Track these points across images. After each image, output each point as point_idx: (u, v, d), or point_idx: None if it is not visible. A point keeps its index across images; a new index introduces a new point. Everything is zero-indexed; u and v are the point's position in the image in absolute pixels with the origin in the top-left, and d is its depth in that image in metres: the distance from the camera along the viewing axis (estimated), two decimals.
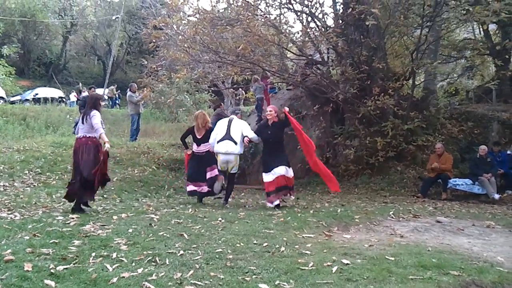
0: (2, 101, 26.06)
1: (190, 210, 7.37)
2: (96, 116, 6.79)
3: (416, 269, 4.03)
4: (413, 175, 11.61)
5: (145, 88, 14.49)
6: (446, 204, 9.43)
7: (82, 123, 6.85)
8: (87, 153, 6.74)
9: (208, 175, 8.40)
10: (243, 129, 8.11)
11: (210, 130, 8.52)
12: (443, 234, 5.90)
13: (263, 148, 8.51)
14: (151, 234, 5.20)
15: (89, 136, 6.82)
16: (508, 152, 11.20)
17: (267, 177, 7.99)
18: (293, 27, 17.59)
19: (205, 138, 8.48)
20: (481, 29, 16.58)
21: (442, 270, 4.01)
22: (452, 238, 5.68)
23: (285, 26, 13.04)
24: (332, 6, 13.46)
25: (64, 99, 30.11)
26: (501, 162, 10.72)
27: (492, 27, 15.96)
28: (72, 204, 6.84)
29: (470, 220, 7.17)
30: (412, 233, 5.93)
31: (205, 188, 8.44)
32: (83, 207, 6.84)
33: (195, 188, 8.52)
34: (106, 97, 26.74)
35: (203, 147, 8.53)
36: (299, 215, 6.96)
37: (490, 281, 3.79)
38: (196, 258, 4.28)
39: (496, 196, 9.83)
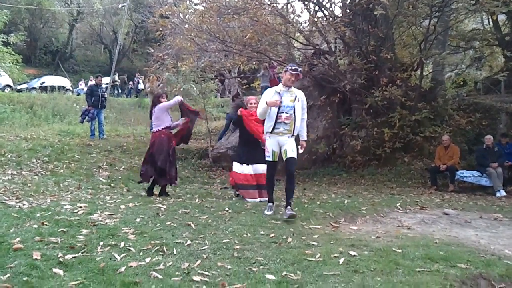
0: (9, 89, 26.08)
1: (197, 200, 7.40)
2: (161, 107, 7.80)
3: (423, 261, 4.03)
4: (420, 167, 11.56)
5: (151, 76, 14.47)
6: (453, 196, 9.40)
7: (151, 118, 8.03)
8: (161, 145, 7.68)
9: None
10: None
11: None
12: (450, 226, 5.90)
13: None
14: (158, 224, 5.23)
15: (161, 129, 7.76)
16: None
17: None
18: (300, 16, 17.44)
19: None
20: (490, 19, 16.40)
21: (449, 262, 4.00)
22: (459, 230, 5.67)
23: (292, 16, 12.96)
24: None
25: (71, 88, 30.13)
26: (509, 153, 10.64)
27: (502, 17, 15.78)
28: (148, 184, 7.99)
29: (478, 212, 7.16)
30: (419, 225, 5.93)
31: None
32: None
33: None
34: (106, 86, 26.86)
35: None
36: (306, 206, 6.95)
37: (497, 274, 3.78)
38: (203, 248, 4.29)
39: (499, 194, 9.72)
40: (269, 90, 6.11)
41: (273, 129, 5.96)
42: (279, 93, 5.94)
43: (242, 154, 7.88)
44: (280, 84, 6.07)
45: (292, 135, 5.99)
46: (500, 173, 10.08)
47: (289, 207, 5.79)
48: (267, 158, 6.12)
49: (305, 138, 6.28)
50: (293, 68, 5.88)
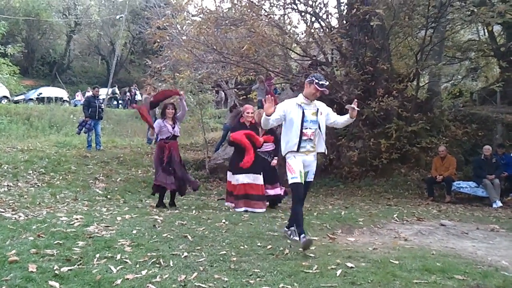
0: (6, 100, 26.08)
1: (194, 211, 7.38)
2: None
3: (420, 273, 4.03)
4: (417, 178, 11.57)
5: (148, 87, 14.51)
6: (450, 207, 9.42)
7: None
8: (155, 157, 8.11)
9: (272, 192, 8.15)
10: None
11: (271, 130, 8.14)
12: (447, 238, 5.90)
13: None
14: (155, 236, 5.21)
15: (158, 142, 8.13)
16: None
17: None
18: (297, 27, 17.51)
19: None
20: (485, 30, 16.51)
21: (446, 274, 4.00)
22: (456, 241, 5.68)
23: (289, 27, 13.03)
24: (336, 7, 13.45)
25: (68, 99, 30.15)
26: (505, 164, 10.67)
27: (497, 28, 15.90)
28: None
29: (474, 223, 7.17)
30: (416, 236, 5.93)
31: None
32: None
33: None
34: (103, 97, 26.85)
35: (264, 147, 8.11)
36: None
37: (494, 285, 3.78)
38: (200, 260, 4.28)
39: (495, 205, 9.70)
40: (289, 102, 5.22)
41: (298, 148, 5.06)
42: (300, 105, 5.10)
43: (234, 163, 7.90)
44: (301, 95, 5.22)
45: (315, 154, 5.26)
46: (497, 184, 10.08)
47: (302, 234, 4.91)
48: (292, 180, 5.03)
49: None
50: (320, 83, 5.01)
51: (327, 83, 5.23)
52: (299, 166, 5.04)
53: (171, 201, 8.02)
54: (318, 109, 5.17)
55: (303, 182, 5.08)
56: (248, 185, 7.64)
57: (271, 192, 8.10)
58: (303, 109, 5.07)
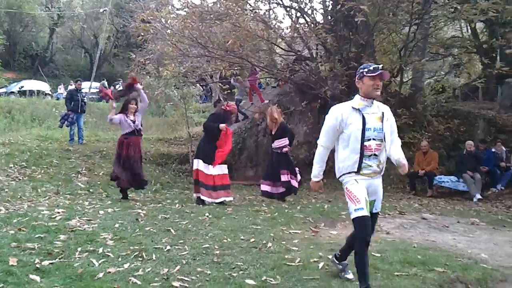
0: None
1: (177, 205, 7.36)
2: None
3: (401, 265, 4.09)
4: (399, 172, 11.63)
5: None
6: (432, 201, 9.51)
7: None
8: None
9: (284, 178, 8.42)
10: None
11: (283, 125, 8.63)
12: (428, 231, 5.98)
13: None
14: (137, 229, 5.19)
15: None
16: (493, 150, 11.29)
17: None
18: (282, 22, 17.51)
19: (278, 134, 8.58)
20: (468, 27, 16.70)
21: (427, 266, 4.06)
22: (437, 235, 5.75)
23: (274, 22, 13.03)
24: (321, 2, 13.47)
25: (51, 92, 29.75)
26: (486, 159, 10.81)
27: (480, 25, 16.09)
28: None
29: (455, 217, 7.26)
30: (398, 230, 5.99)
31: (280, 189, 8.53)
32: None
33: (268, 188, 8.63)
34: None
35: (277, 143, 8.57)
36: (286, 211, 6.98)
37: (474, 277, 3.85)
38: (183, 253, 4.28)
39: (475, 199, 9.82)
40: (342, 106, 3.77)
41: (359, 167, 3.60)
42: (358, 109, 3.64)
43: (207, 151, 7.73)
44: (357, 96, 3.76)
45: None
46: (478, 179, 10.19)
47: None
48: (356, 214, 3.50)
49: (405, 162, 3.82)
50: (371, 68, 3.63)
51: (380, 65, 3.74)
52: (364, 193, 3.55)
53: (124, 195, 7.98)
54: (383, 113, 3.68)
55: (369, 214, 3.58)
56: (218, 176, 7.65)
57: (283, 178, 8.36)
58: (362, 114, 3.60)
